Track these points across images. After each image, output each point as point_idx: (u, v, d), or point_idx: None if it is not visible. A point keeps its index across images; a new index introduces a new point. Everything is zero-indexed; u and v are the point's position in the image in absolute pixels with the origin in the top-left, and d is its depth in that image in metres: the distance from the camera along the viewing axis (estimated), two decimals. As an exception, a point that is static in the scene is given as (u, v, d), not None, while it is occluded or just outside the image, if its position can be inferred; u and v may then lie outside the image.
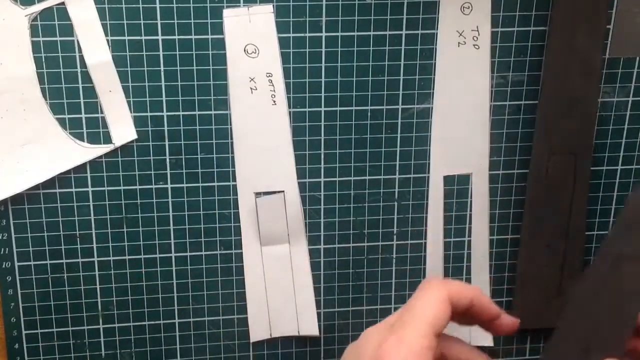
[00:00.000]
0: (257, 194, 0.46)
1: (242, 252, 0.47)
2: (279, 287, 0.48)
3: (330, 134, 0.46)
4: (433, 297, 0.34)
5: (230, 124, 0.45)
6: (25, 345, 0.47)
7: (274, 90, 0.44)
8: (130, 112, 0.44)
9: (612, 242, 0.33)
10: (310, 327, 0.49)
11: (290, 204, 0.46)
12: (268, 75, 0.44)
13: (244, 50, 0.43)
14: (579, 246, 0.49)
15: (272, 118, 0.45)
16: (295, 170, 0.46)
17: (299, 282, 0.48)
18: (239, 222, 0.47)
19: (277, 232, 0.46)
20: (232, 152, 0.46)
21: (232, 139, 0.45)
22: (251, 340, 0.49)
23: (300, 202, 0.47)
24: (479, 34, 0.45)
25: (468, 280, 0.50)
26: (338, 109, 0.46)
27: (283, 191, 0.46)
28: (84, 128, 0.44)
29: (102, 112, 0.44)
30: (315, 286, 0.49)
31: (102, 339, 0.48)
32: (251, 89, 0.44)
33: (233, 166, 0.46)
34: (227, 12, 0.43)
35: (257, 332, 0.49)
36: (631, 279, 0.32)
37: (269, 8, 0.43)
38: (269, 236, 0.47)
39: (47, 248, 0.46)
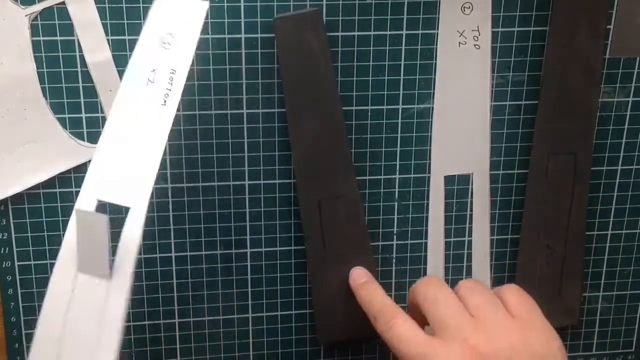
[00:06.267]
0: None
1: (246, 252, 0.48)
2: None
3: (331, 133, 0.46)
4: None
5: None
6: (25, 345, 0.47)
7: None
8: (131, 111, 0.44)
9: None
10: None
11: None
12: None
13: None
14: (579, 246, 0.49)
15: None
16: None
17: None
18: (239, 222, 0.47)
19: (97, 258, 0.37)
20: (232, 152, 0.46)
21: (233, 139, 0.45)
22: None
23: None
24: (479, 34, 0.45)
25: (468, 280, 0.50)
26: (338, 108, 0.46)
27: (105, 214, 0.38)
28: (84, 127, 0.44)
29: (102, 112, 0.44)
30: (316, 286, 0.49)
31: (102, 339, 0.48)
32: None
33: (233, 166, 0.46)
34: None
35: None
36: None
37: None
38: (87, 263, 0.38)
39: (47, 248, 0.46)
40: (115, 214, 0.40)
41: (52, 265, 0.45)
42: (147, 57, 0.39)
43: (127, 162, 0.38)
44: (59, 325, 0.37)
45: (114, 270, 0.37)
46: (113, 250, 0.37)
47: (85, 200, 0.38)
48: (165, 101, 0.38)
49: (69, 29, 0.42)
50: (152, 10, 0.39)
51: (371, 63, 0.45)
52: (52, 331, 0.37)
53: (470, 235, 0.49)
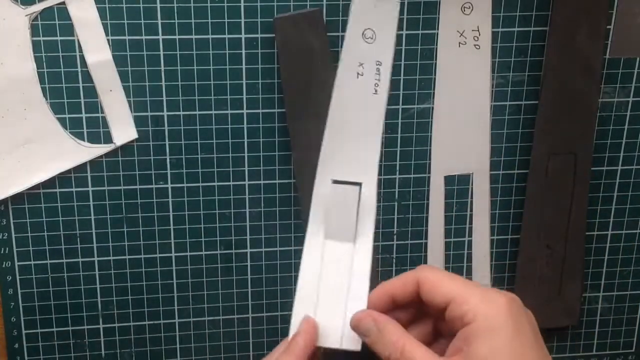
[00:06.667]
0: (335, 181, 0.45)
1: (246, 252, 0.48)
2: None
3: (331, 133, 0.46)
4: None
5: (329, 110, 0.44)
6: (25, 345, 0.47)
7: (379, 80, 0.44)
8: (131, 111, 0.44)
9: None
10: (354, 340, 0.43)
11: (366, 199, 0.44)
12: (378, 63, 0.43)
13: (363, 34, 0.43)
14: (579, 246, 0.49)
15: (369, 107, 0.44)
16: (377, 166, 0.45)
17: (354, 288, 0.44)
18: (240, 222, 0.47)
19: (345, 226, 0.44)
20: (232, 152, 0.46)
21: (233, 139, 0.45)
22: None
23: (376, 196, 0.45)
24: (479, 34, 0.45)
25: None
26: (338, 108, 0.46)
27: (360, 183, 0.44)
28: (85, 127, 0.44)
29: (102, 112, 0.44)
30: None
31: (102, 339, 0.48)
32: (358, 74, 0.44)
33: (233, 166, 0.46)
34: None
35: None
36: None
37: None
38: (335, 229, 0.44)
39: (47, 248, 0.46)
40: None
41: (52, 265, 0.46)
42: (354, 53, 0.43)
43: (352, 146, 0.44)
44: (314, 285, 0.44)
45: (357, 234, 0.44)
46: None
47: (322, 182, 0.44)
48: (376, 90, 0.44)
49: (69, 29, 0.42)
50: (352, 8, 0.43)
51: (371, 63, 0.45)
52: (309, 292, 0.44)
53: (470, 235, 0.49)
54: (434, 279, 0.40)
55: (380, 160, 0.47)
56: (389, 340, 0.40)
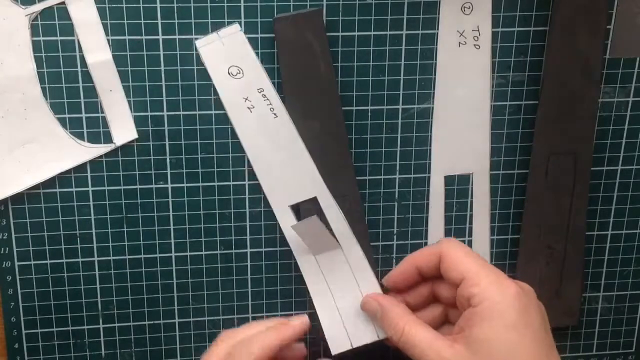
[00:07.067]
0: (292, 207, 0.46)
1: (246, 252, 0.48)
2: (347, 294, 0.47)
3: (331, 133, 0.46)
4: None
5: (241, 143, 0.45)
6: (25, 345, 0.47)
7: (271, 104, 0.44)
8: (131, 111, 0.44)
9: None
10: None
11: (327, 208, 0.46)
12: (260, 90, 0.44)
13: (229, 73, 0.43)
14: (579, 246, 0.49)
15: (278, 131, 0.44)
16: (319, 175, 0.45)
17: (363, 284, 0.47)
18: (239, 222, 0.47)
19: (324, 241, 0.46)
20: (232, 152, 0.46)
21: (233, 139, 0.45)
22: (333, 354, 0.47)
23: (336, 203, 0.46)
24: (479, 34, 0.45)
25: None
26: (338, 108, 0.46)
27: (315, 197, 0.45)
28: (85, 127, 0.44)
29: (102, 112, 0.44)
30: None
31: (102, 339, 0.48)
32: (248, 108, 0.44)
33: (233, 166, 0.46)
34: (199, 43, 0.43)
35: (336, 344, 0.47)
36: None
37: (236, 27, 0.43)
38: (318, 248, 0.46)
39: (47, 248, 0.46)
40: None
41: (52, 265, 0.46)
42: (231, 94, 0.44)
43: (288, 168, 0.45)
44: (329, 295, 0.47)
45: (337, 238, 0.46)
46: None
47: (281, 212, 0.46)
48: (275, 114, 0.44)
49: (69, 29, 0.42)
50: (203, 57, 0.43)
51: (371, 63, 0.45)
52: (325, 298, 0.47)
53: (470, 235, 0.49)
54: (454, 255, 0.41)
55: (380, 160, 0.47)
56: (392, 321, 0.41)
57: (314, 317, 0.46)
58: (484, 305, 0.38)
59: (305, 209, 0.45)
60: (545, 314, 0.40)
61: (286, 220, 0.46)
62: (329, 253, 0.46)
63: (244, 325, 0.44)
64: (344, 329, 0.47)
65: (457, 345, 0.39)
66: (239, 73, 0.43)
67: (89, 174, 0.45)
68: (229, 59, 0.43)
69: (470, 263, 0.40)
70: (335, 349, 0.47)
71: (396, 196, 0.48)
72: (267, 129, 0.44)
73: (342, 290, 0.47)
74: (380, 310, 0.44)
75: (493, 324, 0.38)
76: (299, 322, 0.44)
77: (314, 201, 0.45)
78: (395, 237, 0.49)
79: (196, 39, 0.43)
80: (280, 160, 0.45)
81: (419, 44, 0.45)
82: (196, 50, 0.43)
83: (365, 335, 0.46)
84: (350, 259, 0.46)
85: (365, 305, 0.46)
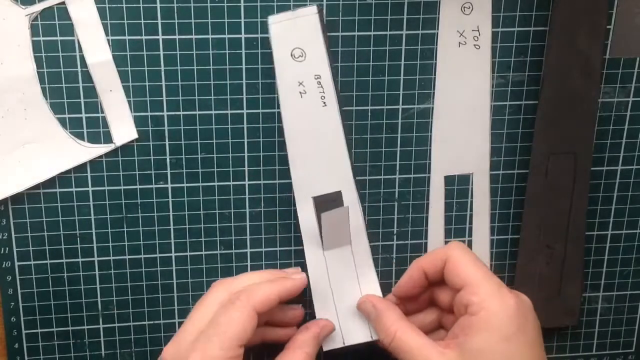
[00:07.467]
0: (316, 198, 0.45)
1: (246, 252, 0.48)
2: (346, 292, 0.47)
3: (331, 133, 0.46)
4: (237, 312, 0.39)
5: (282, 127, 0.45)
6: (25, 345, 0.47)
7: (324, 92, 0.43)
8: (131, 111, 0.44)
9: None
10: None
11: (349, 203, 0.45)
12: (317, 77, 0.43)
13: (291, 55, 0.43)
14: (579, 246, 0.49)
15: (323, 120, 0.44)
16: (351, 170, 0.45)
17: (364, 284, 0.47)
18: (239, 222, 0.47)
19: (340, 235, 0.46)
20: (232, 152, 0.46)
21: (233, 139, 0.45)
22: (324, 350, 0.47)
23: (359, 199, 0.46)
24: (479, 34, 0.45)
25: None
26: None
27: (340, 191, 0.45)
28: (85, 128, 0.44)
29: (102, 112, 0.44)
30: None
31: (102, 339, 0.48)
32: (300, 93, 0.43)
33: (233, 166, 0.46)
34: (272, 19, 0.42)
35: (329, 341, 0.47)
36: None
37: (312, 9, 0.42)
38: (332, 242, 0.46)
39: (47, 248, 0.46)
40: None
41: (52, 265, 0.46)
42: (289, 75, 0.43)
43: (321, 158, 0.45)
44: (329, 292, 0.47)
45: (351, 237, 0.46)
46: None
47: (303, 202, 0.45)
48: (324, 102, 0.43)
49: (69, 29, 0.42)
50: (272, 33, 0.43)
51: (371, 63, 0.45)
52: (325, 295, 0.46)
53: (470, 235, 0.49)
54: (458, 260, 0.41)
55: (380, 160, 0.47)
56: (384, 325, 0.42)
57: (312, 317, 0.47)
58: (481, 315, 0.38)
59: (320, 202, 0.45)
60: (539, 327, 0.40)
61: (306, 210, 0.46)
62: (338, 250, 0.46)
63: (239, 275, 0.44)
64: (339, 326, 0.47)
65: (449, 352, 0.39)
66: (302, 56, 0.42)
67: (89, 174, 0.45)
68: (297, 40, 0.43)
69: (474, 271, 0.40)
70: (327, 346, 0.47)
71: (396, 196, 0.48)
72: (314, 116, 0.44)
73: (343, 288, 0.47)
74: (374, 313, 0.44)
75: (489, 334, 0.38)
76: (299, 276, 0.44)
77: (335, 195, 0.45)
78: (395, 237, 0.49)
79: (197, 38, 0.43)
80: (318, 149, 0.44)
81: (419, 44, 0.45)
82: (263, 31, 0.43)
83: (359, 334, 0.46)
84: (357, 258, 0.47)
85: (361, 306, 0.46)
